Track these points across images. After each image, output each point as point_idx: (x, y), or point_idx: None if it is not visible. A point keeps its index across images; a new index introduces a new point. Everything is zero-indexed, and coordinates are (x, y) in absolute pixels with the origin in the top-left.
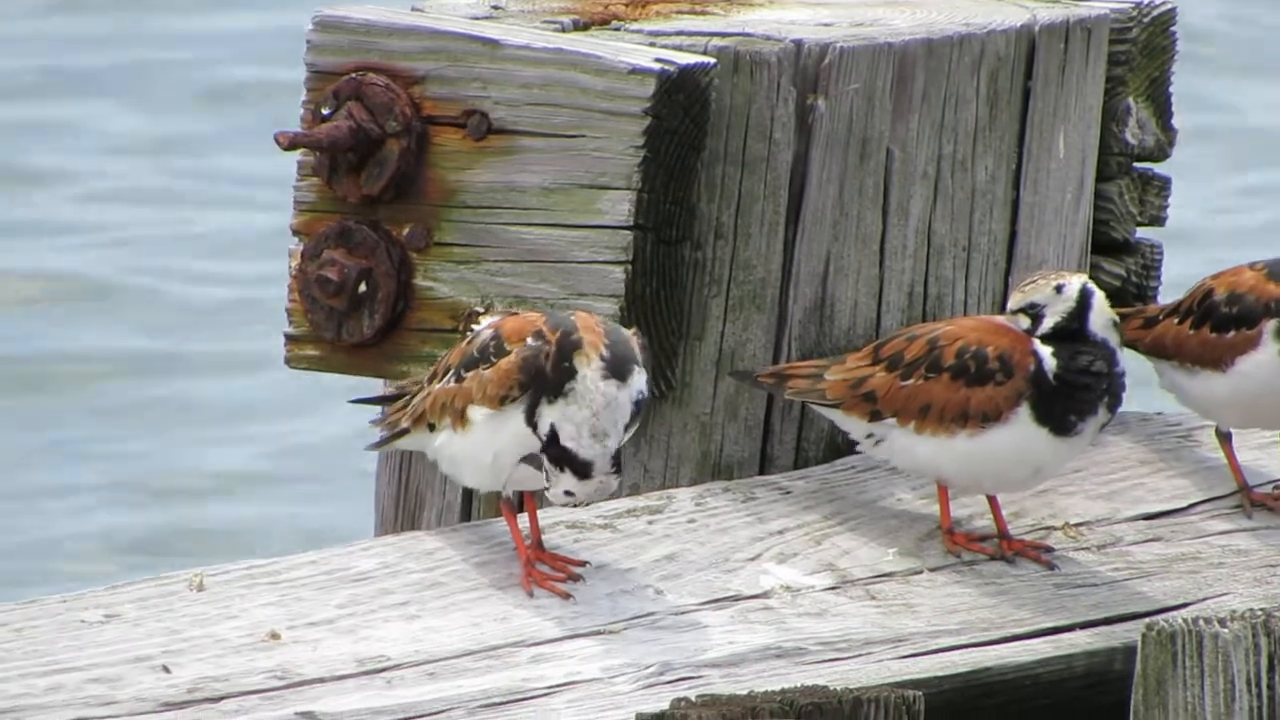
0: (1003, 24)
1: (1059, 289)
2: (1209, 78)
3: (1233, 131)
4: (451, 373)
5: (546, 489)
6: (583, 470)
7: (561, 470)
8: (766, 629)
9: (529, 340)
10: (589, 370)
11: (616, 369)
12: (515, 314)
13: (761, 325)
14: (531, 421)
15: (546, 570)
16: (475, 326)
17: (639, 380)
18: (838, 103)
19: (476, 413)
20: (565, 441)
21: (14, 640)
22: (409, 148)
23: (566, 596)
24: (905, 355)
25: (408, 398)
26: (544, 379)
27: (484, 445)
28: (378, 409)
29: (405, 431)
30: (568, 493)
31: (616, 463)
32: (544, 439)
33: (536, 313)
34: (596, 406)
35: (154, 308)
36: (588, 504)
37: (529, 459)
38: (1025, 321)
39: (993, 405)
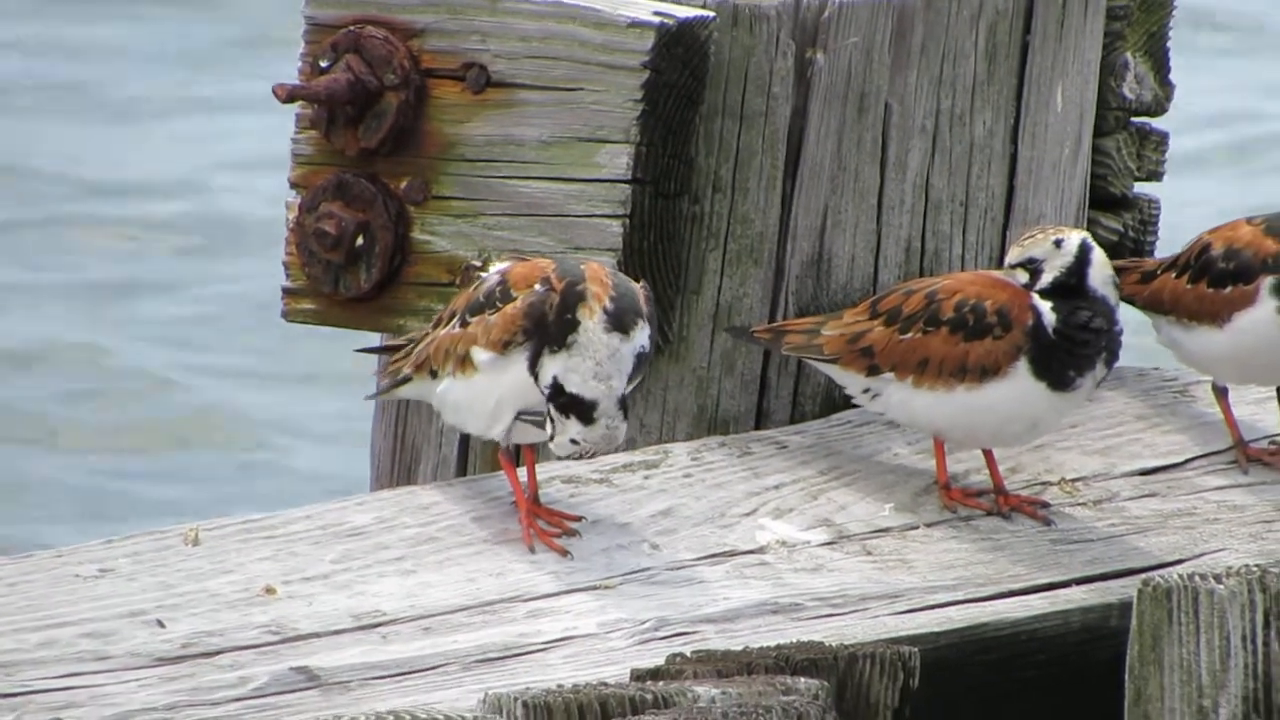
0: None
1: (1058, 244)
2: None
3: None
4: (457, 318)
5: (550, 440)
6: (588, 413)
7: (567, 417)
8: (762, 584)
9: (536, 286)
10: (591, 322)
11: (619, 322)
12: (525, 260)
13: (759, 279)
14: (534, 371)
15: (544, 526)
16: (482, 275)
17: (642, 334)
18: (836, 57)
19: (480, 356)
20: (570, 388)
21: (7, 595)
22: (407, 101)
23: (564, 553)
24: (903, 309)
25: (410, 346)
26: (547, 329)
27: (487, 391)
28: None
29: (408, 379)
30: (574, 440)
31: (624, 408)
32: (546, 391)
33: (546, 259)
34: (600, 357)
35: None
36: (594, 454)
37: (529, 418)
38: (1023, 276)
39: (991, 359)
